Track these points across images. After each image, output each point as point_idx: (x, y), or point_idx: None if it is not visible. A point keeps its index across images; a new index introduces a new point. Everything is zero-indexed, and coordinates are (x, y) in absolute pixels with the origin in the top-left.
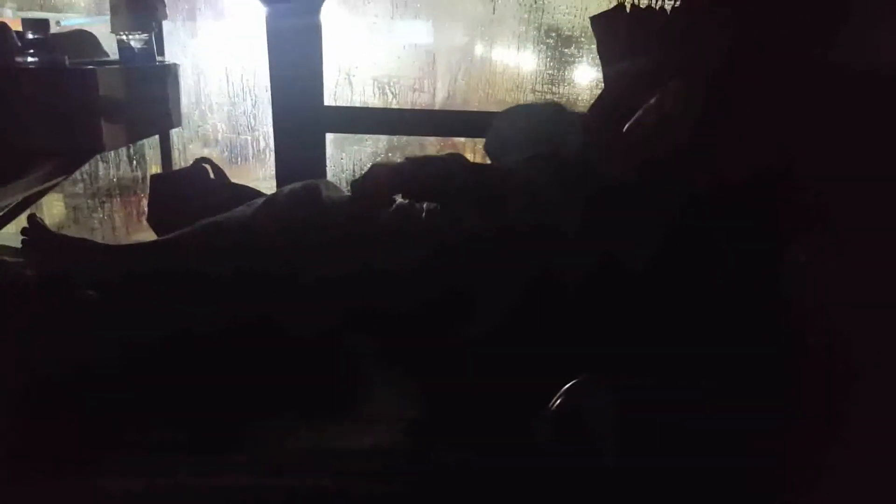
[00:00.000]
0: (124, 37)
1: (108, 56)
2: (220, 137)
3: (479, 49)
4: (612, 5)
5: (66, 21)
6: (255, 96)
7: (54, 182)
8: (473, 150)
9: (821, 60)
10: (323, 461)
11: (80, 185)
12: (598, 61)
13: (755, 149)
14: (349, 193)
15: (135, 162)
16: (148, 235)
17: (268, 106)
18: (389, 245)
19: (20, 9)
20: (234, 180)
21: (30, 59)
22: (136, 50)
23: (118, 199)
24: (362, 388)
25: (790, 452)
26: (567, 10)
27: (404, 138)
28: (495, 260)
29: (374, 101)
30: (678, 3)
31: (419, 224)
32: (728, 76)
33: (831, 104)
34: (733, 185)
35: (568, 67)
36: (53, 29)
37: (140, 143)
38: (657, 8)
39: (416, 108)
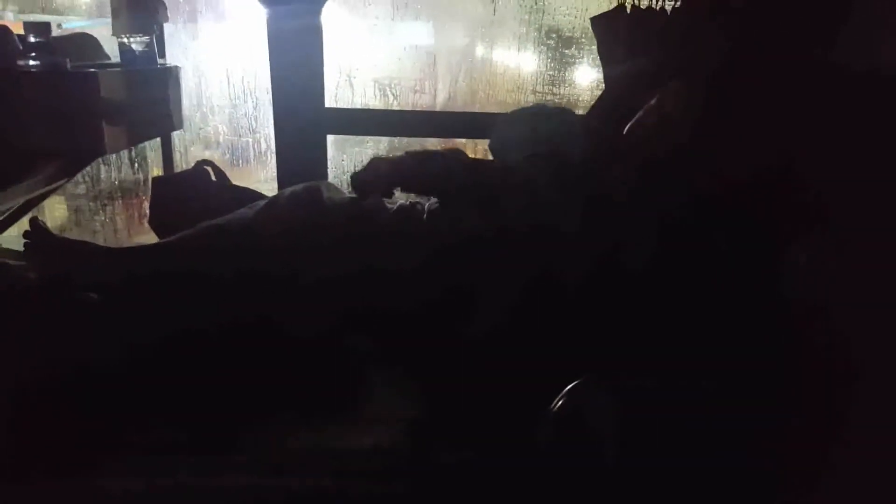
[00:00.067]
0: (125, 40)
1: (109, 59)
2: (221, 140)
3: (479, 50)
4: (612, 6)
5: (67, 24)
6: (257, 98)
7: (56, 185)
8: (474, 151)
9: (821, 61)
10: (323, 461)
11: (82, 187)
12: (598, 62)
13: (755, 149)
14: (349, 190)
15: (136, 164)
16: (149, 238)
17: (269, 108)
18: (391, 246)
19: (21, 12)
20: (235, 182)
21: (31, 62)
22: (137, 53)
23: (120, 201)
24: (363, 388)
25: (790, 452)
26: (567, 11)
27: (405, 140)
28: (496, 260)
29: (375, 103)
30: (678, 3)
31: (420, 225)
32: (728, 77)
33: (831, 104)
34: (733, 185)
35: (568, 68)
36: (55, 32)
37: (141, 145)
38: (657, 9)
39: (417, 109)
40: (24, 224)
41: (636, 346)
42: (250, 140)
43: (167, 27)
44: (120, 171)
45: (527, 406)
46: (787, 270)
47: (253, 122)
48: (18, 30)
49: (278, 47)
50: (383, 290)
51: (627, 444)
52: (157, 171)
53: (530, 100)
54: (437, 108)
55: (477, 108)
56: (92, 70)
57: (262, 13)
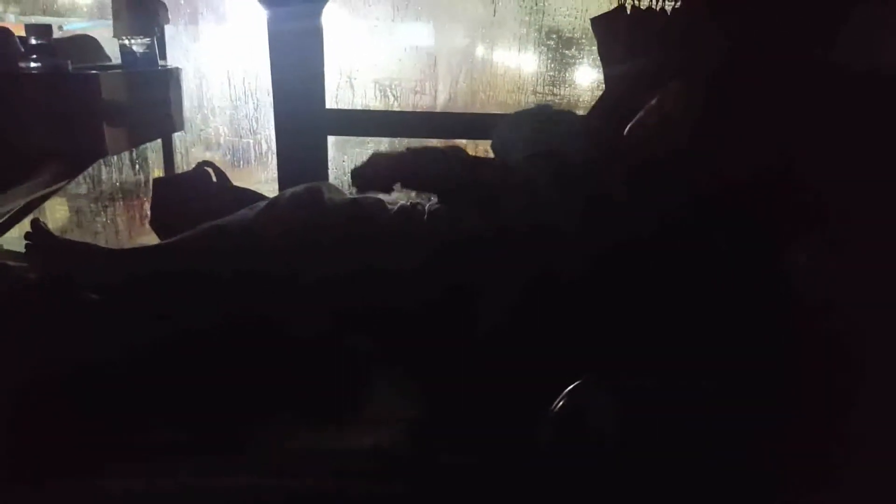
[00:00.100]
0: (126, 41)
1: (110, 60)
2: (222, 141)
3: (480, 51)
4: (612, 7)
5: (68, 26)
6: (257, 99)
7: (57, 186)
8: (475, 152)
9: (821, 61)
10: (323, 461)
11: (83, 189)
12: (598, 63)
13: (755, 149)
14: (350, 188)
15: (137, 166)
16: (151, 239)
17: (270, 109)
18: (391, 246)
19: (23, 14)
20: (236, 183)
21: (33, 63)
22: (138, 54)
23: (121, 202)
24: (363, 388)
25: (790, 452)
26: (568, 12)
27: (405, 140)
28: (496, 261)
29: (376, 104)
30: (678, 4)
31: (421, 226)
32: (728, 77)
33: (831, 105)
34: (734, 185)
35: (569, 69)
36: (56, 34)
37: (142, 147)
38: (657, 9)
39: (418, 110)
40: (25, 225)
41: (636, 346)
42: (251, 141)
43: (168, 29)
44: (121, 173)
45: (527, 406)
46: (787, 270)
47: (254, 124)
48: (20, 32)
49: (279, 49)
50: (384, 290)
51: (628, 444)
52: (157, 172)
53: (531, 100)
54: (438, 109)
55: (477, 109)
56: (93, 72)
57: (262, 15)
